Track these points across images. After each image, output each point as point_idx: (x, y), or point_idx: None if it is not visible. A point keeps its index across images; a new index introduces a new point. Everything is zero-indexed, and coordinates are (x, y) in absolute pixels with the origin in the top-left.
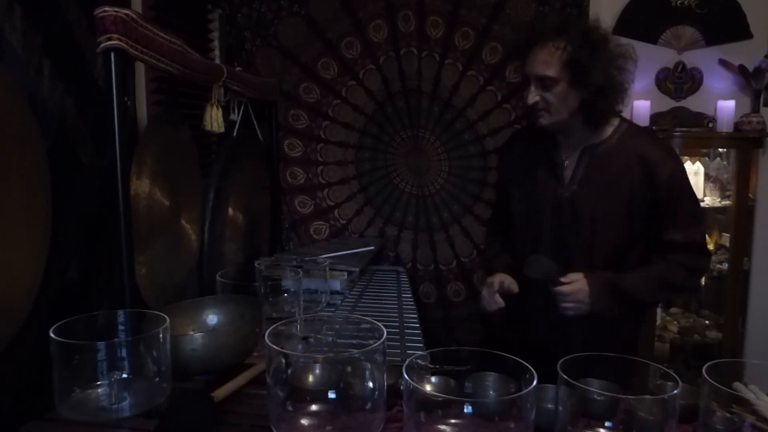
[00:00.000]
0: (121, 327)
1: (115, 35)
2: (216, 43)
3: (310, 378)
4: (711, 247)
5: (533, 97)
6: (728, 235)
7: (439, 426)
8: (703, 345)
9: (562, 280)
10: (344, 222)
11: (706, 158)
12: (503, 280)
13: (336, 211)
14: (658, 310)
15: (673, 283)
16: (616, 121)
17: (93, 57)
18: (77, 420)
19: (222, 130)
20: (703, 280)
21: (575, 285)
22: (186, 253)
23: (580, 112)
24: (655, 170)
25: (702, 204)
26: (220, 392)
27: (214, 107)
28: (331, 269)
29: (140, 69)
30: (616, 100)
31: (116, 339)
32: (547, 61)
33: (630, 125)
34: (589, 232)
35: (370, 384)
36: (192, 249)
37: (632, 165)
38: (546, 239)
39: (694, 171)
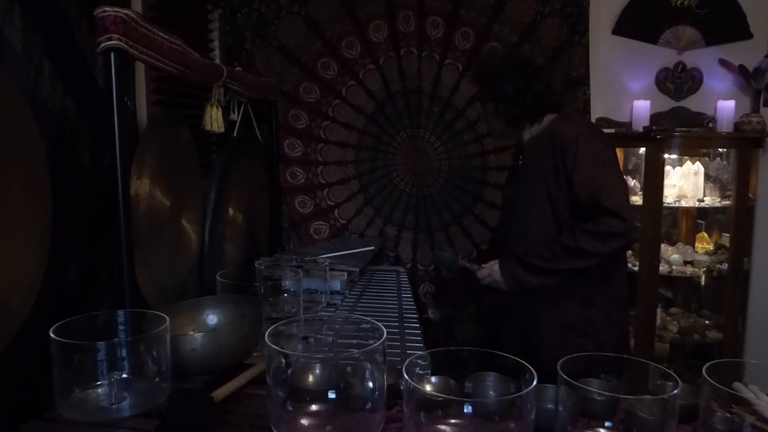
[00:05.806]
0: (121, 327)
1: (115, 35)
2: (216, 43)
3: (310, 378)
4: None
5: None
6: (728, 235)
7: (439, 426)
8: (703, 345)
9: (484, 266)
10: (344, 222)
11: (706, 158)
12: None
13: (336, 211)
14: (658, 310)
15: (579, 247)
16: (552, 117)
17: (93, 57)
18: (77, 420)
19: (222, 130)
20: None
21: (486, 269)
22: (186, 253)
23: (509, 120)
24: (554, 139)
25: (701, 204)
26: (220, 392)
27: (214, 107)
28: (331, 269)
29: (140, 69)
30: (525, 101)
31: (116, 339)
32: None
33: (561, 115)
34: (524, 216)
35: (370, 384)
36: (192, 249)
37: (546, 143)
38: (502, 232)
39: (694, 171)
